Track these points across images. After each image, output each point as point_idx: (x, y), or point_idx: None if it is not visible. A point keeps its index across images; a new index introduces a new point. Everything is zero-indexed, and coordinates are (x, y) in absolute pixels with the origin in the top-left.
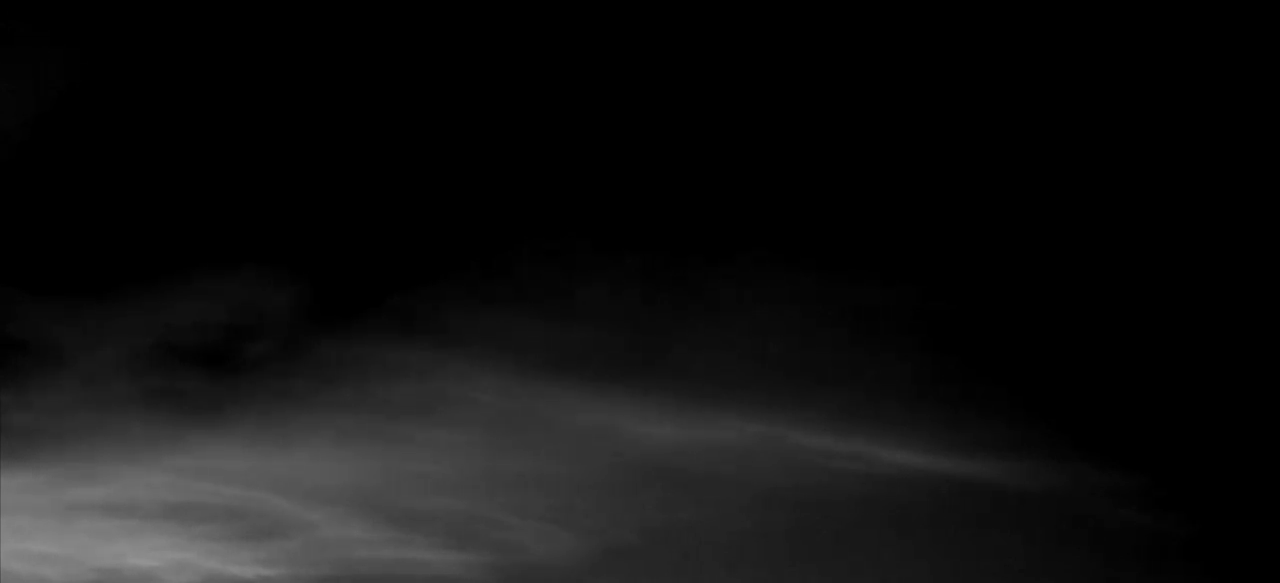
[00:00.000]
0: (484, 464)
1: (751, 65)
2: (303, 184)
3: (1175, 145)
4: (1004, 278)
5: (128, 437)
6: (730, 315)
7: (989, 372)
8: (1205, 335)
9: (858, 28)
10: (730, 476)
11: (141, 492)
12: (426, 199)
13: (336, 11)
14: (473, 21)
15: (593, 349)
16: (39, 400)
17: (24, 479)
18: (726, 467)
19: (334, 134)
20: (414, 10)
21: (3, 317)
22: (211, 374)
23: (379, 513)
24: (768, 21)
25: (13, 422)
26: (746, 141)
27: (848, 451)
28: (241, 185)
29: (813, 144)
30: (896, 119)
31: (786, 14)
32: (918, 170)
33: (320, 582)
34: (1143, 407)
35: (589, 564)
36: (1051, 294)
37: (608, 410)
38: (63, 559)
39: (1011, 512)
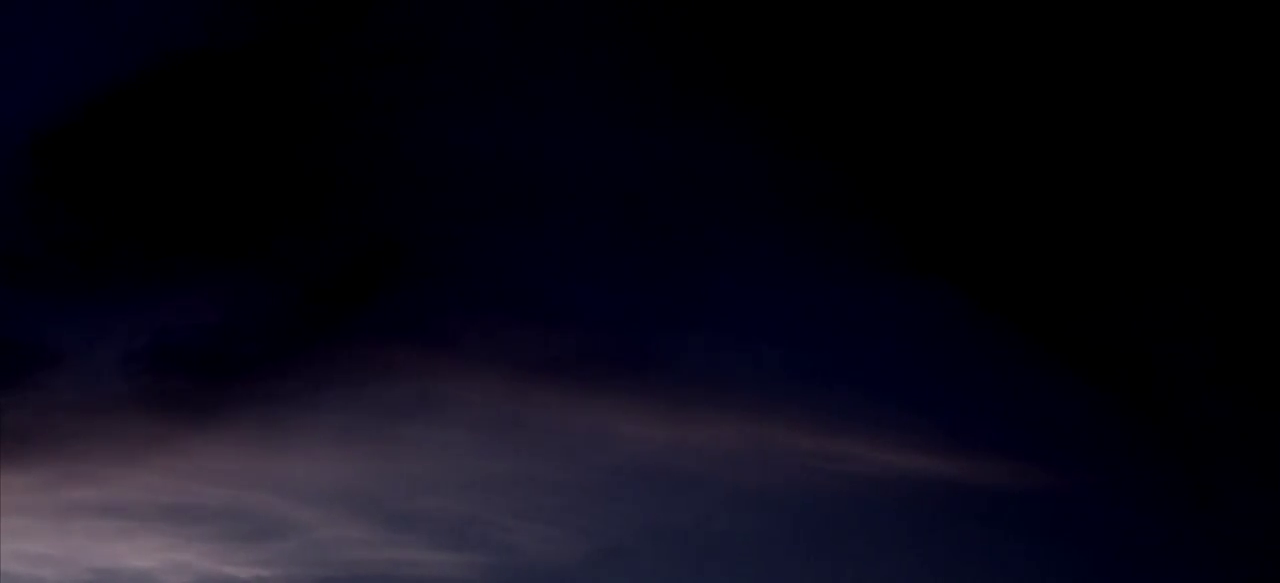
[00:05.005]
0: (479, 465)
1: (742, 59)
2: (300, 185)
3: (1172, 144)
4: (1002, 278)
5: (124, 438)
6: (724, 317)
7: (987, 372)
8: (1202, 335)
9: (856, 22)
10: (724, 477)
11: (138, 493)
12: (423, 200)
13: (336, 8)
14: (468, 20)
15: (587, 350)
16: (35, 402)
17: (21, 480)
18: (720, 468)
19: (329, 134)
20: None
21: None
22: (207, 375)
23: (374, 514)
24: (762, 14)
25: (9, 423)
26: (739, 140)
27: (844, 452)
28: (237, 186)
29: (805, 142)
30: (893, 117)
31: (781, 7)
32: (915, 168)
33: (316, 582)
34: (1140, 407)
35: (584, 564)
36: (1049, 293)
37: (602, 411)
38: (60, 560)
39: (1009, 512)
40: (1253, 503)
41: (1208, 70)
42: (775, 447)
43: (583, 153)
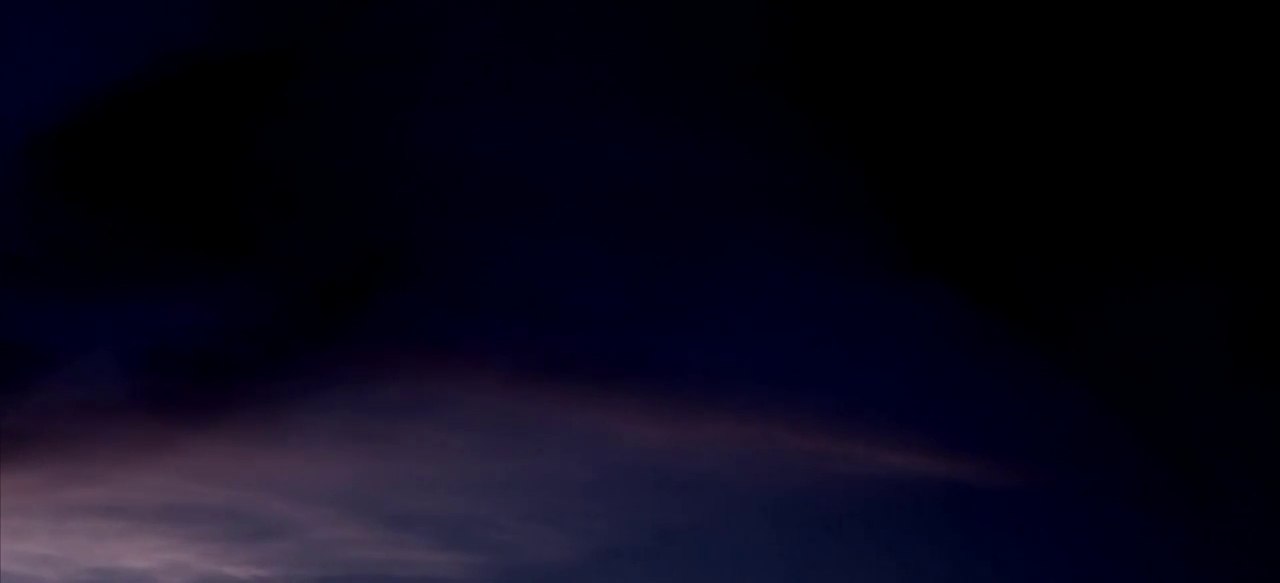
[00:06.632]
0: (479, 465)
1: (741, 59)
2: (299, 185)
3: (1171, 140)
4: (1001, 278)
5: (123, 438)
6: (724, 317)
7: (987, 372)
8: (1201, 334)
9: (855, 22)
10: (724, 477)
11: (137, 493)
12: (422, 200)
13: (333, 8)
14: (466, 20)
15: (587, 350)
16: (33, 403)
17: (20, 481)
18: (720, 468)
19: (327, 134)
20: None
21: None
22: (206, 376)
23: (374, 514)
24: (762, 15)
25: (8, 424)
26: (739, 140)
27: (844, 452)
28: (235, 187)
29: (806, 142)
30: (893, 116)
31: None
32: (913, 168)
33: (316, 582)
34: (1139, 407)
35: (583, 565)
36: (1048, 293)
37: (602, 411)
38: (59, 560)
39: (1008, 513)
40: (1252, 503)
41: (1206, 63)
42: (775, 447)
43: (582, 152)
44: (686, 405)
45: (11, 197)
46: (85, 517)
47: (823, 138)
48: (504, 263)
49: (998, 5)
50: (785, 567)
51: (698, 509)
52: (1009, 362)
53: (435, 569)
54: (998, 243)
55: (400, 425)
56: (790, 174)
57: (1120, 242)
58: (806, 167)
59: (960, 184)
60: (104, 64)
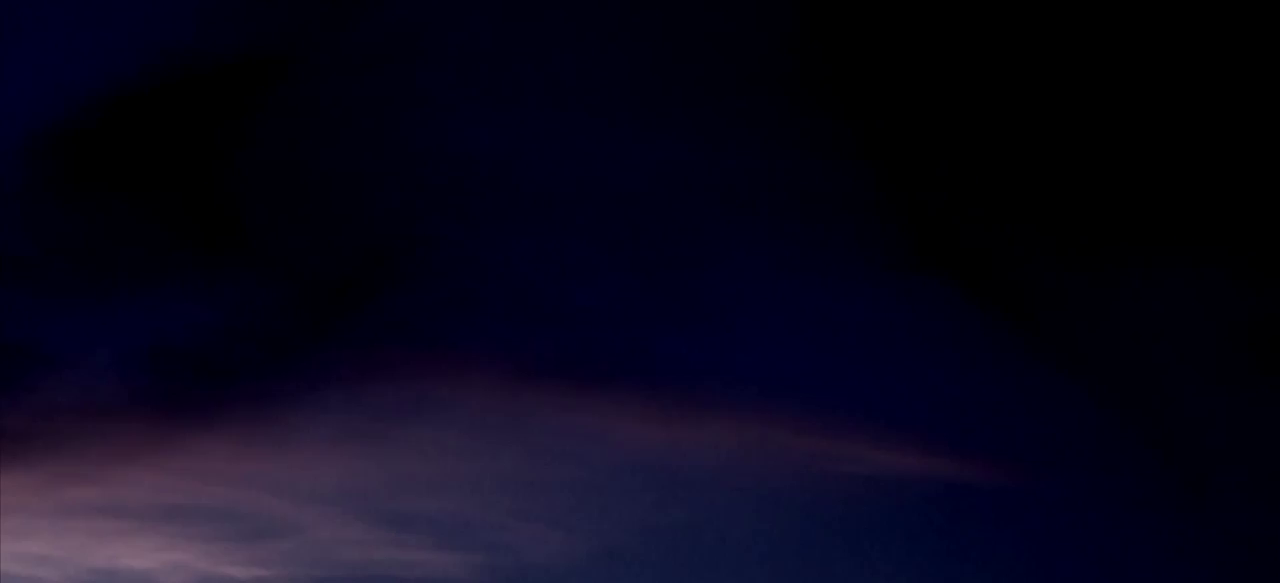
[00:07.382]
0: (478, 465)
1: (741, 59)
2: (298, 185)
3: (1171, 137)
4: (1000, 278)
5: (122, 438)
6: (724, 317)
7: (987, 372)
8: (1203, 336)
9: (854, 21)
10: (723, 477)
11: (136, 493)
12: (421, 200)
13: (333, 8)
14: (466, 21)
15: (587, 350)
16: (33, 403)
17: (20, 481)
18: (719, 468)
19: (327, 134)
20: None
21: None
22: (205, 376)
23: (374, 514)
24: (760, 15)
25: (8, 424)
26: (739, 140)
27: (844, 452)
28: (235, 187)
29: (805, 141)
30: (892, 116)
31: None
32: (913, 167)
33: (315, 582)
34: (1139, 407)
35: (584, 564)
36: (1047, 293)
37: (602, 411)
38: (59, 560)
39: (1008, 513)
40: (1252, 503)
41: (1204, 63)
42: (775, 447)
43: (582, 152)
44: (686, 405)
45: (11, 197)
46: (85, 517)
47: (823, 138)
48: (504, 263)
49: (999, 6)
50: (784, 567)
51: (697, 509)
52: (1009, 362)
53: (435, 569)
54: (997, 243)
55: (400, 426)
56: (790, 174)
57: (1120, 242)
58: (807, 167)
59: (960, 184)
60: (103, 64)
